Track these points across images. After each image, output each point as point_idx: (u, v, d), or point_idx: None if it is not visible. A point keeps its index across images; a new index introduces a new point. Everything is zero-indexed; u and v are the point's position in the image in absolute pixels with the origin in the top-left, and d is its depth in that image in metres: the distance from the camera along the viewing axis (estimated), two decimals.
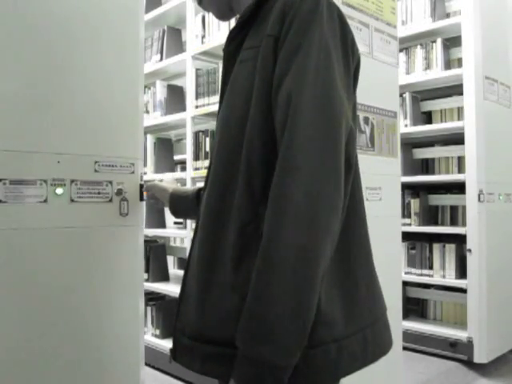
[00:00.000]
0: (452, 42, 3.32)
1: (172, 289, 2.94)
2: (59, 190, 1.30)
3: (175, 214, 1.40)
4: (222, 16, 0.98)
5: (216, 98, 2.78)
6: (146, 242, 2.79)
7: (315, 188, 0.69)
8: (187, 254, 0.95)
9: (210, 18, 2.89)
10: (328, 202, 0.70)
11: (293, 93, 0.71)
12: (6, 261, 1.22)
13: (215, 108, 2.62)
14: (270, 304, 0.69)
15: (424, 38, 3.34)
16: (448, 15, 3.37)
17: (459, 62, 3.24)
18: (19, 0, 1.26)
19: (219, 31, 2.79)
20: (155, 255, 3.17)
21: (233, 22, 2.56)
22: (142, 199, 1.50)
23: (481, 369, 2.90)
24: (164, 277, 3.20)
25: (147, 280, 3.06)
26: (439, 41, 3.26)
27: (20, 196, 1.14)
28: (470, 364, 2.95)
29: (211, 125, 2.96)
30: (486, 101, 3.02)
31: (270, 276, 0.70)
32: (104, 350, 1.41)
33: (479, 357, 2.90)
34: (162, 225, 3.34)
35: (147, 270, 3.11)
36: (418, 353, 3.15)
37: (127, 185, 1.45)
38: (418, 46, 3.36)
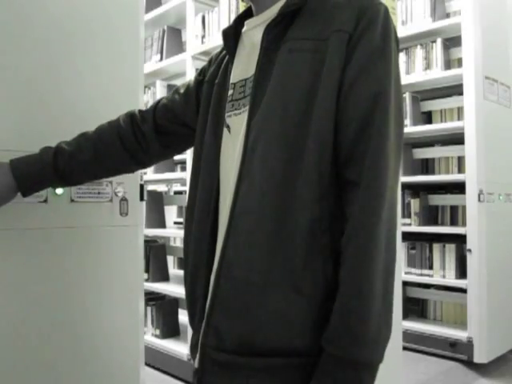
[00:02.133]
0: (452, 42, 3.32)
1: (172, 289, 2.94)
2: (59, 190, 1.29)
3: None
4: None
5: None
6: (145, 241, 2.78)
7: (391, 200, 0.75)
8: None
9: (210, 18, 2.89)
10: (396, 219, 0.77)
11: (381, 94, 0.75)
12: (6, 261, 1.21)
13: None
14: (371, 301, 0.69)
15: (424, 38, 3.34)
16: (448, 15, 3.37)
17: (459, 62, 3.24)
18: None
19: (219, 31, 2.79)
20: (155, 255, 3.17)
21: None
22: (142, 199, 1.50)
23: (481, 369, 2.90)
24: (164, 277, 3.21)
25: (147, 280, 3.07)
26: (439, 41, 3.26)
27: (20, 195, 1.11)
28: (470, 364, 2.95)
29: None
30: (486, 101, 3.02)
31: (371, 273, 0.70)
32: (104, 349, 1.40)
33: (479, 357, 2.90)
34: (162, 225, 3.34)
35: (147, 270, 3.12)
36: (418, 353, 3.15)
37: (127, 185, 1.45)
38: (418, 46, 3.36)
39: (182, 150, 1.13)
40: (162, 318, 3.01)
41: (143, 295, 1.53)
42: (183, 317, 3.16)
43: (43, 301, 1.28)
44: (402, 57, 3.37)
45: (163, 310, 3.03)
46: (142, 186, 1.49)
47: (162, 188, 4.22)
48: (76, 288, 1.34)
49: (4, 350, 1.21)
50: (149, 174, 3.20)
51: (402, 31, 3.26)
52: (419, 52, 3.34)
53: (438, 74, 3.22)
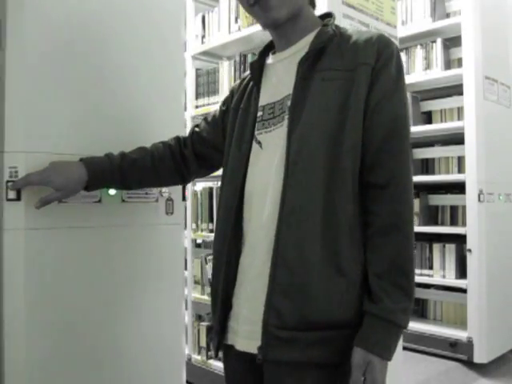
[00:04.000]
0: (452, 42, 3.32)
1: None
2: (112, 191, 1.38)
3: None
4: (274, 24, 1.04)
5: (216, 98, 2.79)
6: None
7: (411, 198, 0.96)
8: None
9: (210, 18, 2.89)
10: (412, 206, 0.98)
11: (402, 115, 0.96)
12: (64, 257, 1.30)
13: (215, 108, 2.62)
14: (411, 277, 0.92)
15: (424, 38, 3.34)
16: (448, 15, 3.37)
17: (459, 62, 3.24)
18: (77, 16, 1.35)
19: (219, 31, 2.79)
20: None
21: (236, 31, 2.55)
22: (184, 199, 1.60)
23: (481, 369, 2.91)
24: None
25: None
26: (439, 41, 3.26)
27: (77, 196, 1.25)
28: (470, 364, 2.95)
29: None
30: (486, 101, 3.02)
31: (409, 258, 0.93)
32: (147, 346, 1.48)
33: (479, 357, 2.90)
34: None
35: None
36: (418, 353, 3.15)
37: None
38: (418, 46, 3.36)
39: (213, 170, 1.33)
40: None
41: (184, 293, 1.64)
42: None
43: (96, 294, 1.37)
44: (401, 57, 3.37)
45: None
46: (183, 187, 1.60)
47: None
48: (127, 282, 1.43)
49: (57, 338, 1.29)
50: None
51: (402, 31, 3.26)
52: (419, 52, 3.34)
53: (437, 74, 3.22)
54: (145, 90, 1.49)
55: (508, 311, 3.13)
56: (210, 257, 2.65)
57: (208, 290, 2.68)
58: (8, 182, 1.21)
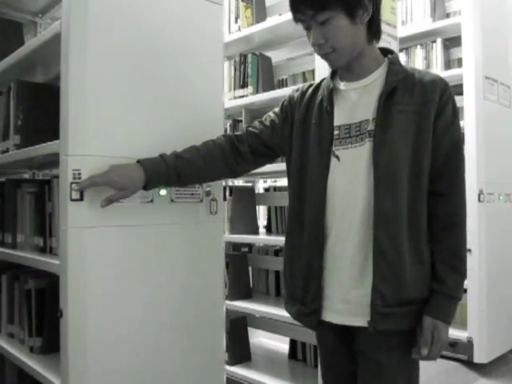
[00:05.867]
0: (452, 42, 3.32)
1: (255, 307, 2.42)
2: (163, 192, 1.51)
3: (149, 186, 1.36)
4: (337, 67, 1.29)
5: None
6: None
7: (465, 202, 1.29)
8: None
9: None
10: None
11: (459, 139, 1.25)
12: (121, 253, 1.42)
13: None
14: (464, 263, 1.23)
15: (424, 38, 3.34)
16: (448, 15, 3.37)
17: (459, 62, 3.24)
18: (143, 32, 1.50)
19: None
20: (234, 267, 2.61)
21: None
22: (225, 199, 1.67)
23: (481, 369, 2.91)
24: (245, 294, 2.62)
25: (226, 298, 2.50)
26: (439, 41, 3.26)
27: (132, 196, 1.37)
28: (470, 364, 2.95)
29: None
30: (486, 101, 3.02)
31: (464, 248, 1.24)
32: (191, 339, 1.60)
33: (479, 357, 2.90)
34: (254, 230, 2.66)
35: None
36: None
37: (214, 186, 1.66)
38: (418, 46, 3.36)
39: (262, 165, 1.50)
40: (232, 341, 2.57)
41: (223, 290, 1.73)
42: (255, 340, 2.96)
43: (150, 287, 1.48)
44: (402, 57, 3.37)
45: (234, 332, 2.59)
46: (224, 188, 1.69)
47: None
48: (176, 277, 1.55)
49: (119, 329, 1.41)
50: None
51: (402, 31, 3.26)
52: (419, 52, 3.35)
53: (438, 74, 3.21)
54: (193, 96, 1.62)
55: (508, 311, 3.13)
56: None
57: None
58: (72, 183, 1.32)
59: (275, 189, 2.83)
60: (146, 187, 1.35)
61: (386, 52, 1.30)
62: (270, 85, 2.69)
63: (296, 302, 1.32)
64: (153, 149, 1.42)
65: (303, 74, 3.06)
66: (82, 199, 1.33)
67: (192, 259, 1.60)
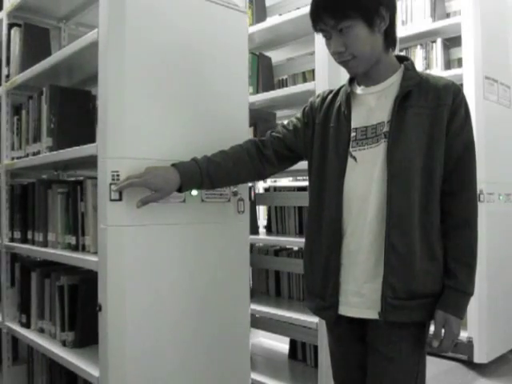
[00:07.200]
0: (452, 42, 3.32)
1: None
2: (194, 192, 1.58)
3: (184, 188, 1.44)
4: (355, 73, 1.33)
5: None
6: None
7: (476, 200, 1.30)
8: None
9: None
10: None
11: (472, 140, 1.28)
12: (156, 250, 1.50)
13: None
14: (476, 258, 1.26)
15: (424, 38, 3.35)
16: (448, 15, 3.37)
17: (459, 62, 3.24)
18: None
19: None
20: None
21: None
22: (250, 199, 1.72)
23: (481, 369, 2.91)
24: None
25: None
26: (439, 41, 3.26)
27: (167, 197, 1.43)
28: (470, 364, 2.95)
29: None
30: (486, 101, 3.02)
31: (476, 245, 1.27)
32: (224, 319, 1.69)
33: (479, 357, 2.90)
34: (254, 230, 2.61)
35: None
36: None
37: (241, 187, 1.73)
38: (418, 46, 3.36)
39: (287, 168, 1.57)
40: None
41: (249, 289, 1.81)
42: (255, 340, 2.99)
43: (183, 283, 1.57)
44: None
45: None
46: (250, 188, 1.74)
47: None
48: (205, 270, 1.62)
49: (156, 323, 1.49)
50: None
51: (402, 31, 3.26)
52: (419, 52, 3.35)
53: (437, 74, 3.22)
54: (222, 101, 1.71)
55: (508, 311, 3.13)
56: None
57: None
58: (111, 184, 1.39)
59: (275, 189, 2.83)
60: (179, 189, 1.42)
61: (401, 59, 1.35)
62: (269, 85, 2.69)
63: (315, 297, 1.37)
64: (184, 152, 1.50)
65: (303, 74, 3.06)
66: (120, 199, 1.40)
67: (221, 256, 1.68)
